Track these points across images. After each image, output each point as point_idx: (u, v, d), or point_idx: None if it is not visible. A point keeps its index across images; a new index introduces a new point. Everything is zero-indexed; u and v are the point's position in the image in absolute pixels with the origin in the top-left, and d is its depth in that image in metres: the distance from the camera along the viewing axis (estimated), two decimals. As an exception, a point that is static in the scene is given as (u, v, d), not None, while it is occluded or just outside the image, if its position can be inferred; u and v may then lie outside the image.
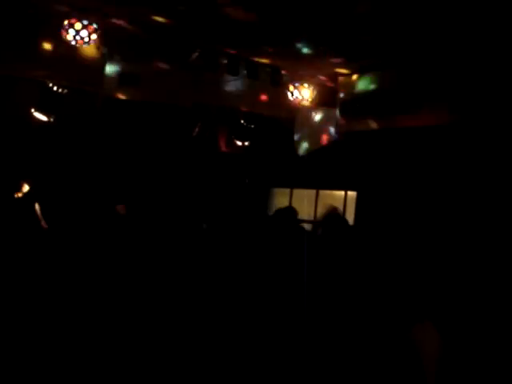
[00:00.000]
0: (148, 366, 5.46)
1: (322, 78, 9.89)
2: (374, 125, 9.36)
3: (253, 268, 6.71)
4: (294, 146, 10.80)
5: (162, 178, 10.74)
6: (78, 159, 10.08)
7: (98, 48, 8.26)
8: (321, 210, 9.90)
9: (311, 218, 11.43)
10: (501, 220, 7.94)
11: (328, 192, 12.00)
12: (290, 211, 8.20)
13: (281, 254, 6.74)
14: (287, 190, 12.46)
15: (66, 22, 7.85)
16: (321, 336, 5.52)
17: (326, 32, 7.38)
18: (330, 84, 10.05)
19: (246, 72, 9.26)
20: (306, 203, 11.75)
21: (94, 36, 7.91)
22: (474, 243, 7.87)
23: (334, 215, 7.82)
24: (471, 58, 7.82)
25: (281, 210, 8.31)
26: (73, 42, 7.95)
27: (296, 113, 10.70)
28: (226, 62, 9.05)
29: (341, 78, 9.92)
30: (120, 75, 8.77)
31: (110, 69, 8.77)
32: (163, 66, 8.97)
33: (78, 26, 7.81)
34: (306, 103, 9.94)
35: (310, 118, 10.62)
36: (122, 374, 5.35)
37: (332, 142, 10.34)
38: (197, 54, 8.68)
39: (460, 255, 7.74)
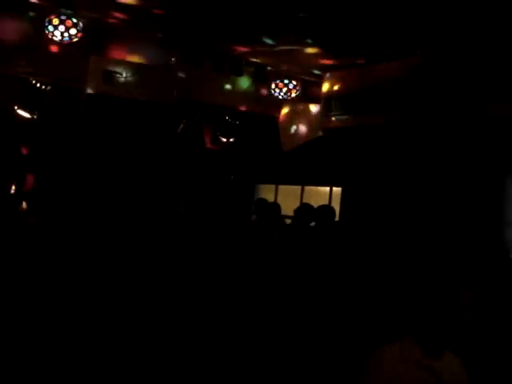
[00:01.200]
0: (141, 367, 5.45)
1: (306, 74, 9.90)
2: (358, 121, 9.38)
3: (238, 265, 6.71)
4: (279, 142, 10.80)
5: (147, 174, 10.71)
6: (62, 156, 10.03)
7: (81, 44, 8.22)
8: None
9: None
10: (481, 216, 8.01)
11: (313, 188, 12.03)
12: (275, 207, 8.22)
13: (265, 251, 6.75)
14: (272, 186, 12.49)
15: (48, 18, 7.81)
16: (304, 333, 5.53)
17: (309, 26, 7.37)
18: (314, 80, 10.06)
19: (229, 68, 9.27)
20: (292, 199, 11.78)
21: (76, 32, 7.88)
22: (455, 238, 7.92)
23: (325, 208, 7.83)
24: (460, 51, 7.86)
25: (264, 204, 8.32)
26: (56, 39, 7.91)
27: (281, 109, 10.71)
28: (210, 58, 9.04)
29: (325, 74, 9.93)
30: (103, 72, 8.73)
31: (94, 65, 8.72)
32: (146, 62, 8.94)
33: (59, 21, 7.77)
34: (290, 99, 9.96)
35: (294, 114, 10.63)
36: (121, 374, 5.34)
37: (317, 138, 10.36)
38: (174, 59, 8.72)
39: (443, 250, 7.78)
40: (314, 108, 10.29)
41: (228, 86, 9.91)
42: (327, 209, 7.78)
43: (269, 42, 8.32)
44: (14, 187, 9.12)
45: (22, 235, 6.79)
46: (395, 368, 2.81)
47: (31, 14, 7.96)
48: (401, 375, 2.81)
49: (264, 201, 8.89)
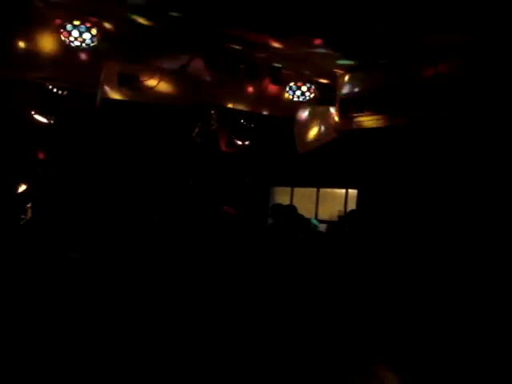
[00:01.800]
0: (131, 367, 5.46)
1: (321, 76, 9.89)
2: (373, 122, 9.36)
3: (255, 266, 6.71)
4: (295, 144, 10.79)
5: (162, 178, 10.74)
6: (78, 160, 10.08)
7: (97, 49, 8.28)
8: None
9: (312, 216, 11.44)
10: (499, 220, 7.96)
11: (329, 190, 12.01)
12: (291, 209, 8.22)
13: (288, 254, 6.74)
14: (288, 189, 12.48)
15: (64, 24, 7.88)
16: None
17: (326, 29, 7.38)
18: (329, 82, 10.05)
19: (245, 71, 9.28)
20: (307, 201, 11.78)
21: (92, 37, 7.94)
22: (474, 245, 7.88)
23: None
24: (471, 53, 7.82)
25: (281, 208, 8.31)
26: (72, 44, 7.98)
27: (296, 111, 10.70)
28: (225, 61, 9.06)
29: (340, 76, 9.93)
30: (118, 76, 8.78)
31: (108, 70, 8.76)
32: (162, 66, 8.97)
33: (76, 27, 7.83)
34: (306, 101, 9.95)
35: (309, 117, 10.62)
36: (119, 374, 5.35)
37: (332, 140, 10.34)
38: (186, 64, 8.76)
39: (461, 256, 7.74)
40: (329, 110, 10.27)
41: (244, 90, 9.92)
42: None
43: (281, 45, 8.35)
44: (22, 188, 9.15)
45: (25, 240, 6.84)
46: None
47: (48, 19, 8.03)
48: None
49: (279, 205, 8.90)
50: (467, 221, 8.23)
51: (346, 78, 9.84)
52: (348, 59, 8.90)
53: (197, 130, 10.53)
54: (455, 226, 8.31)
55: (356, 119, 9.65)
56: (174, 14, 7.65)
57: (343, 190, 11.46)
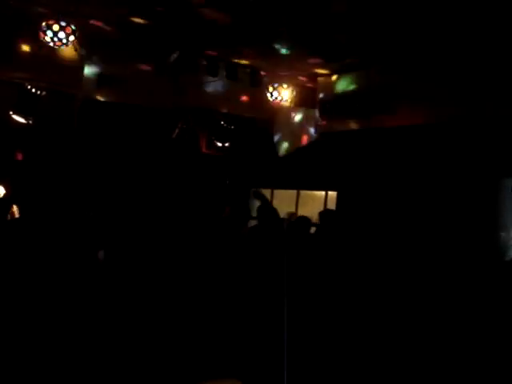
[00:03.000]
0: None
1: (302, 78, 9.93)
2: (353, 125, 9.41)
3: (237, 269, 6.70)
4: (275, 146, 10.82)
5: (142, 179, 10.70)
6: (56, 161, 10.01)
7: (76, 49, 8.22)
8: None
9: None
10: (476, 220, 8.04)
11: (309, 192, 12.03)
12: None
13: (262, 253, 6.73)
14: (268, 191, 12.48)
15: (43, 24, 7.82)
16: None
17: (302, 32, 7.40)
18: (309, 84, 10.09)
19: (225, 73, 9.29)
20: (287, 203, 11.78)
21: (72, 37, 7.90)
22: (450, 241, 7.95)
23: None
24: (448, 56, 7.89)
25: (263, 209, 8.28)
26: (51, 44, 7.92)
27: (276, 113, 10.73)
28: (205, 63, 9.06)
29: (320, 79, 9.97)
30: (98, 77, 8.74)
31: (89, 70, 8.73)
32: (142, 67, 8.95)
33: (55, 27, 7.79)
34: (286, 104, 9.97)
35: (289, 119, 10.65)
36: (120, 373, 5.32)
37: (312, 143, 10.37)
38: (175, 55, 8.68)
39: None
40: (309, 112, 10.31)
41: (223, 91, 9.91)
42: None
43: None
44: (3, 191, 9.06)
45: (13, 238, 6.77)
46: None
47: (27, 19, 7.96)
48: None
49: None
50: (444, 222, 8.30)
51: (327, 80, 9.88)
52: (327, 61, 8.93)
53: (176, 131, 10.51)
54: (433, 228, 8.38)
55: (336, 122, 9.69)
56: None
57: (323, 192, 11.50)
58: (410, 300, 6.70)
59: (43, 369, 5.26)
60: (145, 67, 8.98)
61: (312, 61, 8.94)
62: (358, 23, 7.02)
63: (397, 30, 7.21)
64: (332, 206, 10.93)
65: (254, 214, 8.67)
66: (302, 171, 11.07)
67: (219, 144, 11.13)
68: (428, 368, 5.88)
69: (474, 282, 7.05)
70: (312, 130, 10.27)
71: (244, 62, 9.29)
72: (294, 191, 11.95)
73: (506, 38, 6.96)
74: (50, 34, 7.81)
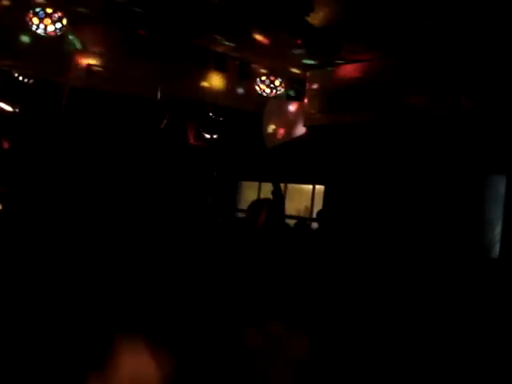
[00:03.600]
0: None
1: (291, 70, 9.91)
2: (342, 119, 9.41)
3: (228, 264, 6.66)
4: (263, 139, 10.80)
5: (129, 169, 10.66)
6: (43, 149, 9.96)
7: (64, 37, 8.17)
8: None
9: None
10: (462, 216, 8.08)
11: (296, 186, 12.06)
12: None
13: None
14: (255, 184, 12.49)
15: (32, 11, 7.75)
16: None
17: (295, 24, 7.37)
18: (298, 78, 10.07)
19: (214, 64, 9.27)
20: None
21: (59, 25, 7.83)
22: (437, 236, 7.98)
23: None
24: (440, 50, 7.91)
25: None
26: (39, 31, 7.86)
27: (264, 106, 10.70)
28: (194, 54, 9.02)
29: (309, 72, 9.95)
30: (87, 65, 8.68)
31: (77, 59, 8.67)
32: (130, 56, 8.89)
33: (43, 14, 7.72)
34: (275, 96, 9.95)
35: (278, 112, 10.63)
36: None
37: (300, 136, 10.37)
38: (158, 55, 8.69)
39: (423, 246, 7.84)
40: (298, 106, 10.30)
41: (212, 82, 9.87)
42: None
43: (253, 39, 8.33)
44: None
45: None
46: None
47: (15, 5, 7.89)
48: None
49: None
50: (431, 217, 8.33)
51: (315, 74, 9.87)
52: (315, 56, 8.92)
53: (165, 122, 10.48)
54: (420, 222, 8.41)
55: (324, 115, 9.68)
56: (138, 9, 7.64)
57: (310, 186, 11.52)
58: (395, 295, 6.72)
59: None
60: (132, 56, 8.91)
61: (302, 54, 8.92)
62: (348, 19, 7.01)
63: (381, 27, 7.21)
64: (319, 199, 10.96)
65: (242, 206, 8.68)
66: (290, 164, 11.07)
67: (207, 135, 11.11)
68: (414, 363, 5.90)
69: (459, 278, 7.09)
70: (300, 123, 10.26)
71: (234, 53, 9.25)
72: (282, 184, 11.95)
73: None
74: (37, 21, 7.74)
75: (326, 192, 10.73)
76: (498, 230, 8.21)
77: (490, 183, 8.27)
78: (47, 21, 7.76)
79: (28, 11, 7.76)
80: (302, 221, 8.68)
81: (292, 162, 10.98)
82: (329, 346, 5.26)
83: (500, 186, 8.22)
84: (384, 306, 6.57)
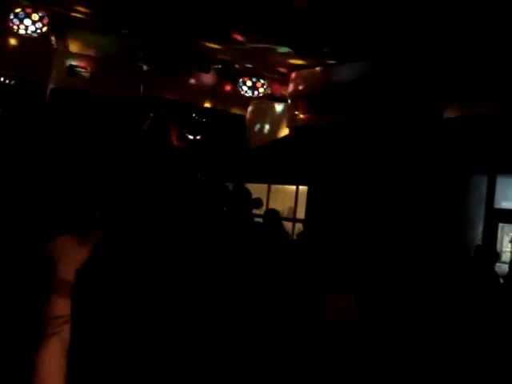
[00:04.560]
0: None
1: (275, 71, 9.92)
2: (324, 120, 9.43)
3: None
4: (246, 140, 10.81)
5: (111, 170, 10.61)
6: (25, 150, 9.88)
7: (46, 39, 8.13)
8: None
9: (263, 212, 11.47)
10: (444, 216, 8.13)
11: (280, 186, 12.06)
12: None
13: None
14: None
15: (13, 12, 7.71)
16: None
17: (279, 26, 7.39)
18: (281, 79, 10.09)
19: (197, 66, 9.27)
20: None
21: (40, 24, 7.79)
22: (419, 236, 8.02)
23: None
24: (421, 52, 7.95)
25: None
26: (21, 32, 7.82)
27: (248, 107, 10.71)
28: (177, 55, 9.02)
29: (293, 73, 9.97)
30: (68, 66, 8.64)
31: (59, 60, 8.63)
32: (113, 57, 8.87)
33: (26, 15, 7.68)
34: (258, 97, 9.97)
35: (262, 112, 10.64)
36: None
37: (283, 137, 10.38)
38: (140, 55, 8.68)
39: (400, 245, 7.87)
40: (280, 106, 10.32)
41: (194, 83, 9.86)
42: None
43: (236, 40, 8.33)
44: None
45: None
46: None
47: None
48: None
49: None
50: (413, 218, 8.38)
51: (297, 75, 9.89)
52: (300, 56, 8.94)
53: (148, 123, 10.45)
54: (401, 224, 8.44)
55: (307, 116, 9.70)
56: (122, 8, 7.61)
57: (294, 187, 11.53)
58: (377, 295, 6.74)
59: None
60: (114, 57, 8.89)
61: (285, 55, 8.95)
62: (332, 20, 7.03)
63: (365, 30, 7.24)
64: (303, 200, 10.98)
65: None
66: (273, 165, 11.08)
67: (191, 137, 11.10)
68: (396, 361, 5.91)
69: (439, 277, 7.13)
70: (283, 125, 10.28)
71: (216, 54, 9.25)
72: (266, 185, 11.96)
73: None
74: (18, 22, 7.70)
75: (309, 192, 10.75)
76: (479, 230, 8.30)
77: (471, 183, 8.35)
78: (29, 21, 7.72)
79: (8, 12, 7.72)
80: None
81: (276, 163, 10.99)
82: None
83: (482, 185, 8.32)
84: (369, 305, 6.59)
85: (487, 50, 7.32)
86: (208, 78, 9.75)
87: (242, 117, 10.71)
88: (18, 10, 7.68)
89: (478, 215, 8.40)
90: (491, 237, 8.26)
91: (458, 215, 8.32)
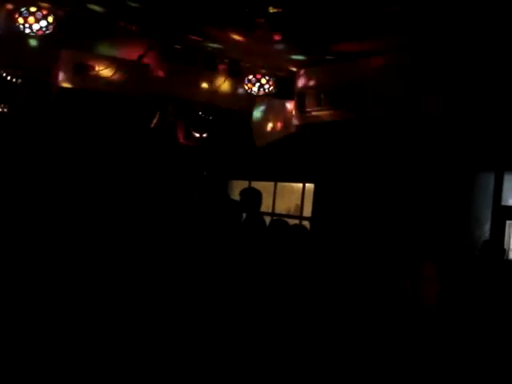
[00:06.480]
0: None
1: (281, 69, 9.91)
2: (330, 117, 9.41)
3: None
4: (252, 138, 10.81)
5: (119, 169, 10.65)
6: (32, 150, 9.93)
7: (53, 37, 8.13)
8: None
9: (269, 210, 11.51)
10: (450, 213, 8.11)
11: (286, 184, 12.07)
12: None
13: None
14: (246, 183, 12.48)
15: (18, 10, 7.71)
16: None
17: (284, 21, 7.36)
18: (287, 76, 10.07)
19: (203, 63, 9.26)
20: (265, 195, 11.78)
21: (49, 24, 7.78)
22: (425, 234, 8.01)
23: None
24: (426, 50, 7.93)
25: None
26: (27, 31, 7.82)
27: (254, 104, 10.70)
28: (182, 52, 9.01)
29: (299, 70, 9.96)
30: (75, 65, 8.65)
31: (66, 58, 8.63)
32: (120, 56, 8.87)
33: (31, 14, 7.67)
34: (264, 95, 9.95)
35: (268, 110, 10.63)
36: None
37: (290, 135, 10.38)
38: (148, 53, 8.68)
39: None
40: (287, 104, 10.30)
41: (202, 82, 9.86)
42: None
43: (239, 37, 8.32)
44: None
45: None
46: None
47: (3, 4, 7.85)
48: None
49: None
50: (420, 216, 8.36)
51: (304, 72, 9.87)
52: (305, 54, 8.93)
53: (155, 121, 10.47)
54: (411, 220, 8.43)
55: (313, 113, 9.68)
56: (133, 4, 7.57)
57: (300, 184, 11.53)
58: (386, 292, 6.73)
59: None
60: (122, 56, 8.88)
61: (291, 52, 8.94)
62: (338, 16, 7.01)
63: (374, 24, 7.21)
64: (309, 198, 10.98)
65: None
66: (280, 163, 11.09)
67: (197, 135, 11.11)
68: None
69: (447, 276, 7.11)
70: (289, 122, 10.27)
71: (223, 51, 9.25)
72: (272, 183, 11.98)
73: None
74: (25, 20, 7.69)
75: (315, 190, 10.75)
76: (486, 228, 8.27)
77: (478, 181, 8.32)
78: (36, 20, 7.71)
79: (15, 9, 7.71)
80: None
81: (282, 161, 11.00)
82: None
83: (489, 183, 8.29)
84: (374, 303, 6.58)
85: (487, 50, 7.30)
86: (214, 76, 9.74)
87: (249, 115, 10.70)
88: (23, 9, 7.66)
89: (485, 213, 8.37)
90: (499, 234, 8.23)
91: (464, 213, 8.30)
